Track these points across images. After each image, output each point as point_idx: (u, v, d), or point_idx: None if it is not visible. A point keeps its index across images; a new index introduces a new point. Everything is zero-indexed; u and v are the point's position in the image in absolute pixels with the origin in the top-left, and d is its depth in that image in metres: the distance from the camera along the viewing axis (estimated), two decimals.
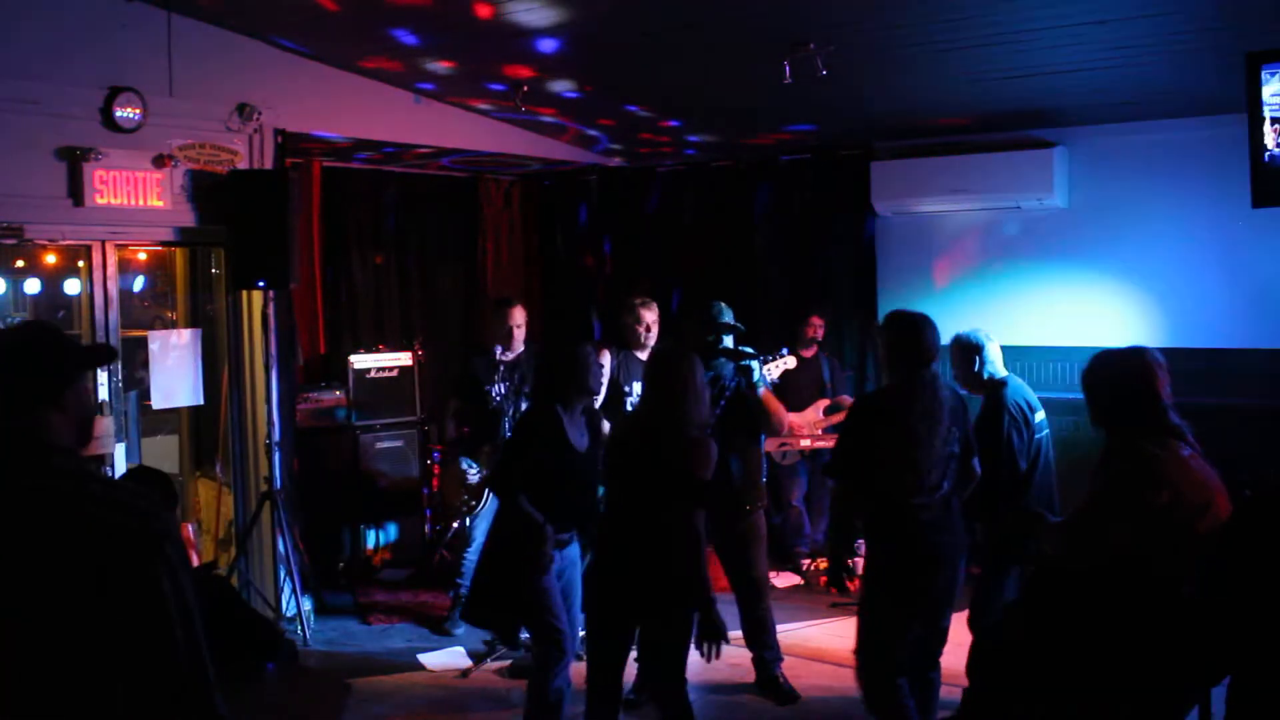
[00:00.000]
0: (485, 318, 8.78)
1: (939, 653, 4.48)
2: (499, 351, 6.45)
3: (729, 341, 5.36)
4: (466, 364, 6.85)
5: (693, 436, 4.17)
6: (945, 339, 5.43)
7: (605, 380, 6.22)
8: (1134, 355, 3.57)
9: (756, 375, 5.23)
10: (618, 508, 4.27)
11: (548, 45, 6.07)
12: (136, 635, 1.96)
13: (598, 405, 6.04)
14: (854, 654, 4.37)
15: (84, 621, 1.93)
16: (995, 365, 5.18)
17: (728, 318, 5.39)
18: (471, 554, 6.59)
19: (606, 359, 6.12)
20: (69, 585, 1.93)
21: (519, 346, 6.52)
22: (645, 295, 6.33)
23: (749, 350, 5.30)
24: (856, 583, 4.61)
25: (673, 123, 7.84)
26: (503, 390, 6.45)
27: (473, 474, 6.46)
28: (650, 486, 4.11)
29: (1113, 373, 3.55)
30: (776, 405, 5.31)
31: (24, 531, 1.95)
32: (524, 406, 6.33)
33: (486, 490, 6.42)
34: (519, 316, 6.56)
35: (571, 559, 4.70)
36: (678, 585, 4.14)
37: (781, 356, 6.70)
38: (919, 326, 4.30)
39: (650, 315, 5.91)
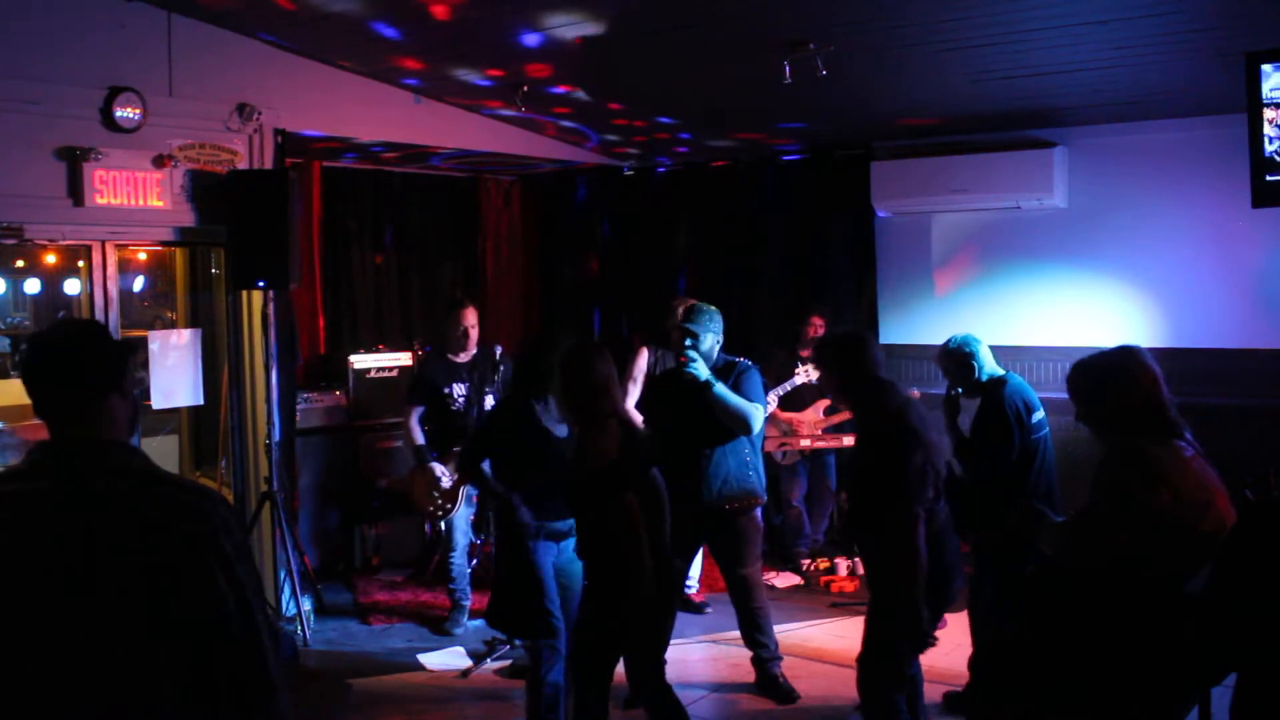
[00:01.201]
0: (490, 324, 8.79)
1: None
2: (456, 354, 6.46)
3: (706, 345, 5.36)
4: (422, 369, 6.82)
5: (608, 411, 4.16)
6: (945, 339, 5.44)
7: (641, 378, 6.24)
8: (1128, 356, 3.55)
9: (704, 377, 5.23)
10: (597, 516, 4.20)
11: (548, 46, 6.08)
12: (195, 635, 1.93)
13: (632, 403, 6.07)
14: (857, 662, 4.33)
15: (141, 624, 1.90)
16: (991, 365, 5.18)
17: (697, 322, 5.37)
18: (457, 557, 6.60)
19: (644, 357, 6.12)
20: (124, 588, 1.90)
21: (473, 348, 6.52)
22: (678, 298, 6.39)
23: (692, 355, 5.28)
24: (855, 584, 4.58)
25: (672, 123, 7.84)
26: (464, 392, 6.44)
27: (445, 480, 6.43)
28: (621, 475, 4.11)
29: (1110, 377, 3.52)
30: (742, 403, 5.29)
31: (80, 535, 1.92)
32: (488, 405, 6.35)
33: (461, 491, 6.41)
34: (472, 317, 6.54)
35: (571, 554, 4.69)
36: (658, 577, 4.17)
37: None
38: (863, 342, 4.36)
39: None
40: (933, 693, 5.02)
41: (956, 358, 5.19)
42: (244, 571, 1.99)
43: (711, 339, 5.37)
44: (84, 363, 2.07)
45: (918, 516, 4.03)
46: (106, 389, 2.06)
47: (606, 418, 4.15)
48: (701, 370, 5.23)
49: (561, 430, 4.67)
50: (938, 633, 6.17)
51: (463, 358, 6.51)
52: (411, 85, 7.18)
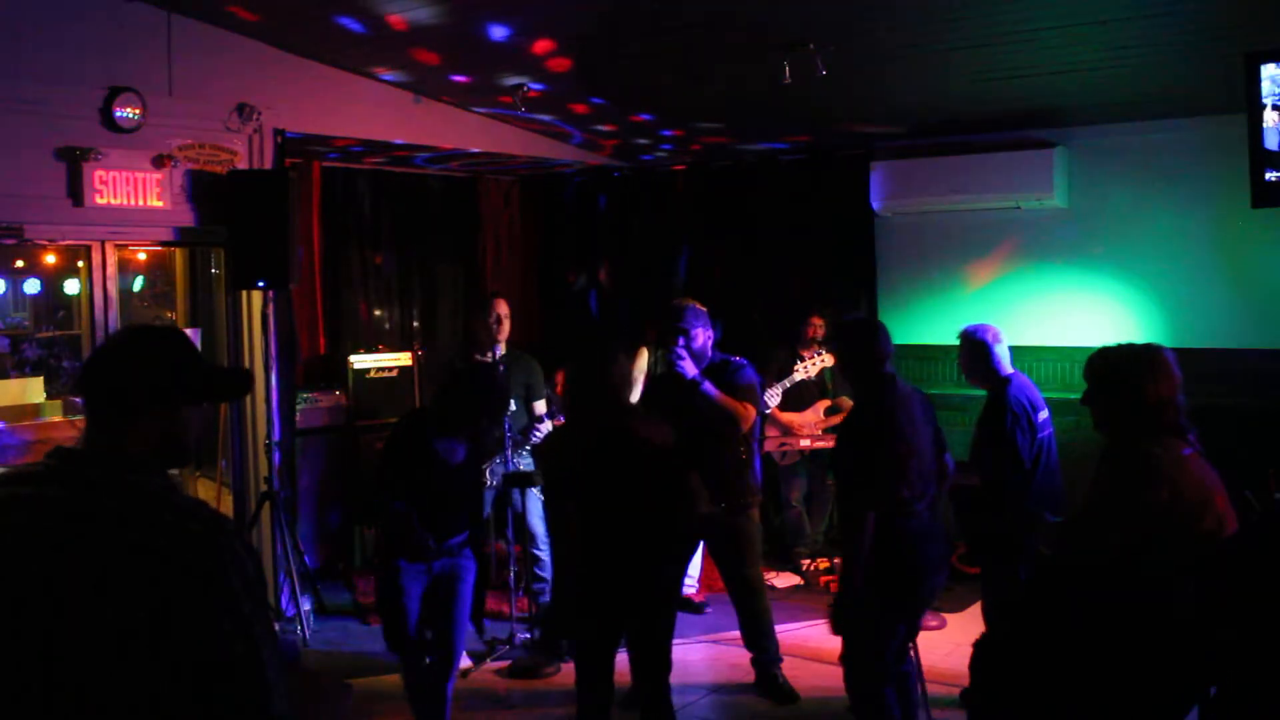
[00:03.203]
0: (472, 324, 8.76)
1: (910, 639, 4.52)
2: (489, 354, 6.43)
3: (698, 343, 5.38)
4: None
5: (645, 418, 4.27)
6: (946, 339, 5.45)
7: (641, 378, 6.25)
8: (1152, 354, 3.52)
9: (690, 375, 5.25)
10: (599, 510, 4.23)
11: (547, 47, 6.08)
12: (195, 675, 1.82)
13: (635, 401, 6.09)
14: (840, 661, 4.37)
15: (137, 657, 1.81)
16: (1002, 362, 5.17)
17: (682, 319, 5.38)
18: None
19: (643, 358, 6.11)
20: (122, 616, 1.81)
21: (504, 337, 6.43)
22: (679, 299, 6.38)
23: (680, 353, 5.29)
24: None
25: (673, 123, 7.84)
26: None
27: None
28: (636, 476, 4.13)
29: (1127, 369, 3.51)
30: (729, 401, 5.29)
31: (84, 551, 1.84)
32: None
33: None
34: (503, 308, 6.47)
35: (458, 569, 4.68)
36: (668, 577, 4.22)
37: (820, 356, 6.82)
38: (871, 332, 4.41)
39: None
40: (935, 692, 5.02)
41: (972, 339, 5.20)
42: (252, 609, 1.88)
43: (703, 337, 5.38)
44: (117, 373, 1.98)
45: (869, 510, 4.12)
46: (140, 404, 1.96)
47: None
48: (689, 369, 5.24)
49: (456, 456, 4.61)
50: (938, 633, 6.22)
51: (489, 359, 6.44)
52: (411, 84, 7.18)
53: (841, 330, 4.59)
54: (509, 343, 6.54)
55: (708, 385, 5.23)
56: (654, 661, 4.28)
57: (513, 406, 6.36)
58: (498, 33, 5.91)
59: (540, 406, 6.50)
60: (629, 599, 4.21)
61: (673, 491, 4.19)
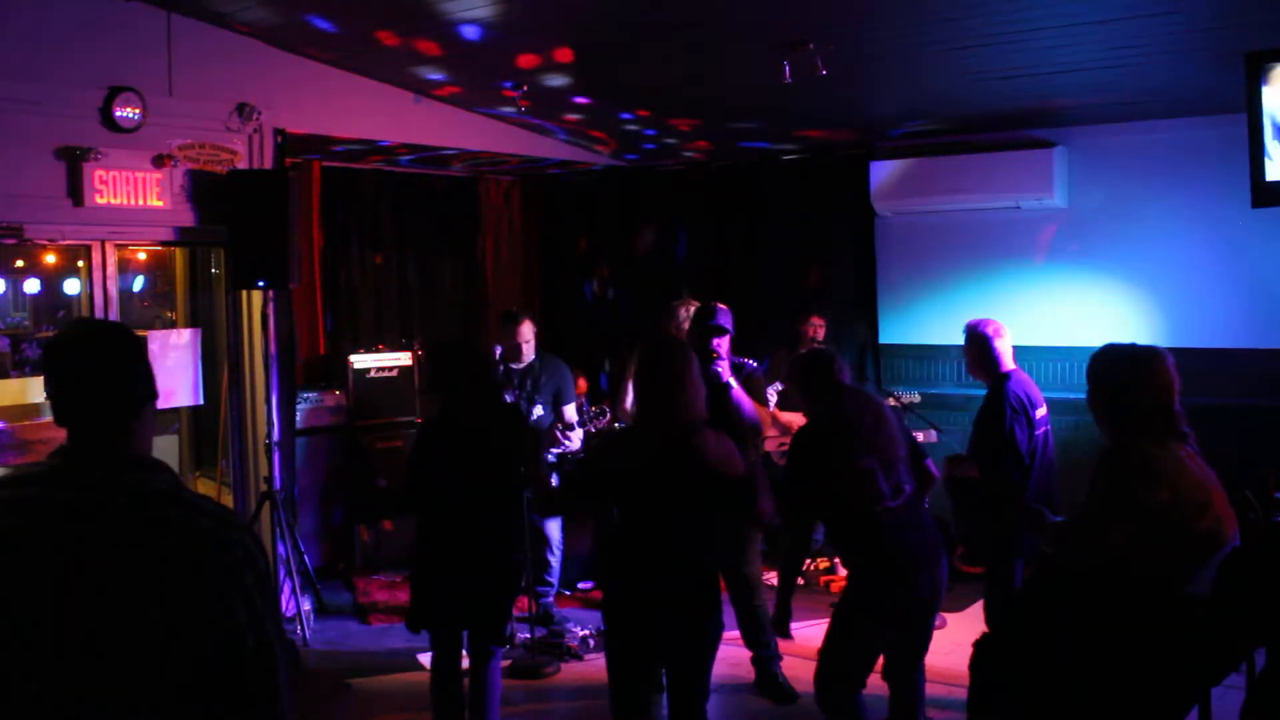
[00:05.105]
0: (490, 325, 8.76)
1: (922, 653, 4.45)
2: (504, 360, 6.42)
3: (725, 346, 5.37)
4: None
5: (711, 431, 3.88)
6: (946, 339, 5.45)
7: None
8: (1152, 358, 3.52)
9: (725, 379, 5.25)
10: (639, 519, 3.89)
11: (546, 46, 6.07)
12: (209, 669, 1.83)
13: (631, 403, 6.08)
14: (817, 654, 4.34)
15: (150, 652, 1.81)
16: (1003, 357, 5.16)
17: (720, 319, 5.38)
18: None
19: None
20: (135, 613, 1.81)
21: (529, 357, 6.46)
22: (679, 298, 6.39)
23: (713, 352, 5.28)
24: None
25: (672, 122, 7.84)
26: (511, 399, 6.40)
27: None
28: (682, 490, 3.82)
29: (1126, 371, 3.51)
30: (756, 406, 5.30)
31: (94, 553, 1.84)
32: (536, 412, 6.33)
33: None
34: (527, 332, 6.41)
35: None
36: (711, 595, 3.92)
37: None
38: (819, 364, 4.43)
39: (686, 314, 5.96)
40: (935, 693, 5.02)
41: (972, 334, 5.19)
42: (264, 605, 1.89)
43: (728, 341, 5.40)
44: (117, 379, 1.99)
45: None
46: (140, 403, 1.99)
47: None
48: (726, 371, 5.24)
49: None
50: (938, 633, 6.20)
51: (517, 365, 6.44)
52: (411, 84, 7.17)
53: (795, 368, 4.60)
54: (539, 349, 6.55)
55: (738, 391, 5.23)
56: (694, 685, 3.92)
57: (540, 411, 6.36)
58: (498, 33, 5.91)
59: (570, 411, 6.48)
60: (664, 625, 3.86)
61: (736, 521, 3.97)
